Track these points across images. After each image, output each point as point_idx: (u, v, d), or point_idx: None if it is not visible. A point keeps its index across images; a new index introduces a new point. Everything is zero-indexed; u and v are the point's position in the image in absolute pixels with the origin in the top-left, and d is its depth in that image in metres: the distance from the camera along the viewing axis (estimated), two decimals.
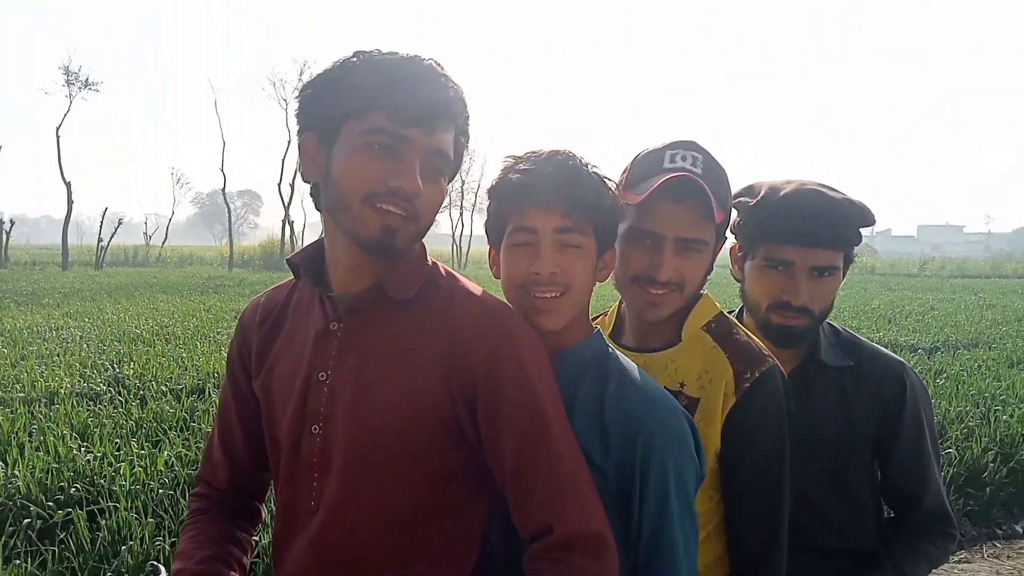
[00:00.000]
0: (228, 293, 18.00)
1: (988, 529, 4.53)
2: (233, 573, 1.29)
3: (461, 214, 43.57)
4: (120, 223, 33.62)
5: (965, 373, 7.47)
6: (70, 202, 33.15)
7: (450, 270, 1.26)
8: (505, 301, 1.24)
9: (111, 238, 33.91)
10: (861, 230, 1.62)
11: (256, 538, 1.66)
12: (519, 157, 1.27)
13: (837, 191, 1.60)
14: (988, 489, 4.69)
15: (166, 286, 20.13)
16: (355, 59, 1.12)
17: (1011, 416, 5.72)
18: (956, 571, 4.04)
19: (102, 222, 34.65)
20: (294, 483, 1.21)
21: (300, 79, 41.27)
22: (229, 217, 42.55)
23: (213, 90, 40.28)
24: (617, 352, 1.31)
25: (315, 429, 1.18)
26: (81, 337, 9.32)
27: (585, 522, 1.08)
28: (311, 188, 1.19)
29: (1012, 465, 4.95)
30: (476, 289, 1.22)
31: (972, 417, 5.71)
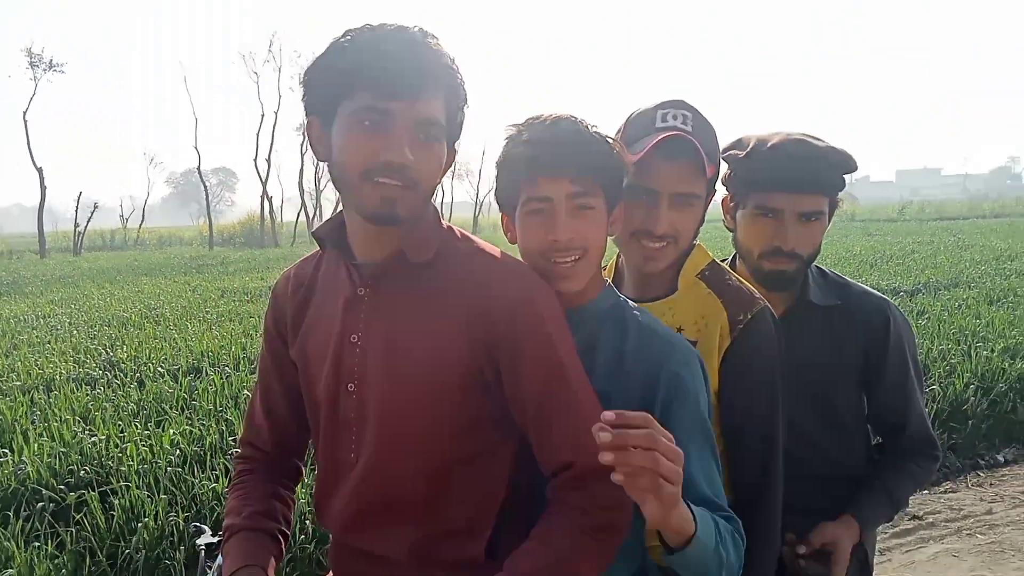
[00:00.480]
0: (212, 272, 17.92)
1: (971, 460, 4.72)
2: (278, 525, 1.39)
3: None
4: (96, 207, 33.16)
5: (946, 312, 7.67)
6: (43, 188, 32.61)
7: (465, 232, 1.31)
8: (518, 259, 1.30)
9: (87, 223, 33.49)
10: (844, 176, 1.71)
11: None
12: (521, 125, 1.30)
13: (821, 140, 1.68)
14: (970, 422, 4.87)
15: (148, 268, 19.98)
16: (344, 39, 1.16)
17: (991, 351, 5.90)
18: (943, 500, 4.22)
19: (77, 207, 34.17)
20: (334, 438, 1.30)
21: (269, 51, 40.75)
22: (207, 196, 42.04)
23: (182, 67, 39.74)
24: (629, 302, 1.38)
25: (350, 387, 1.25)
26: (70, 323, 9.30)
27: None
28: (328, 167, 1.24)
29: (992, 398, 5.13)
30: (492, 249, 1.28)
31: (954, 354, 5.89)
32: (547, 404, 1.18)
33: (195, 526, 1.64)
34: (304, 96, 1.21)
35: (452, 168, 1.37)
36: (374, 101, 1.11)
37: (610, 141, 1.30)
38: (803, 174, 1.62)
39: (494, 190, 1.38)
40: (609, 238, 1.40)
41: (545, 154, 1.24)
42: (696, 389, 1.27)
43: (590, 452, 1.13)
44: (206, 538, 1.66)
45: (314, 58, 1.19)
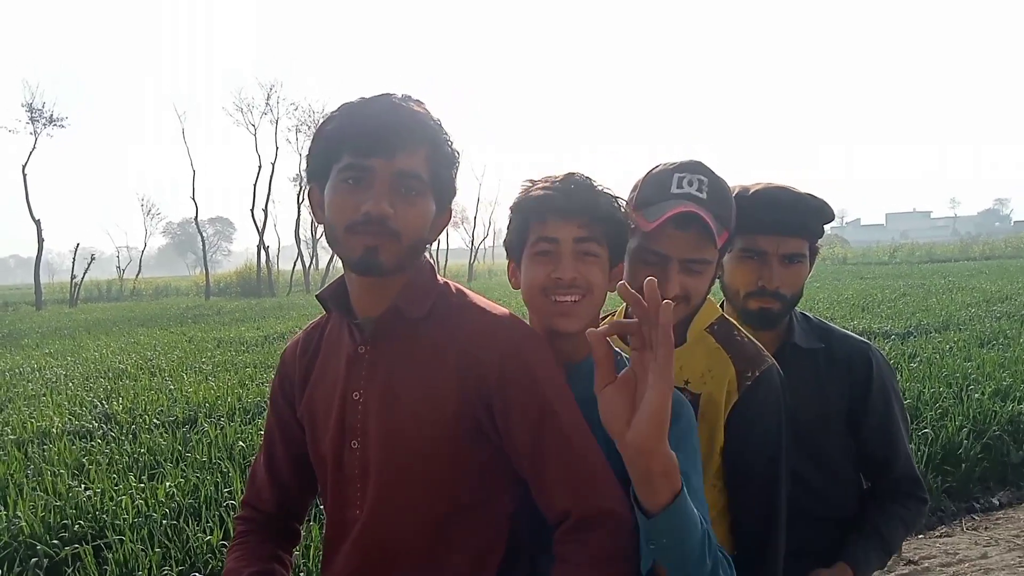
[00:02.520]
0: (208, 322, 17.92)
1: (966, 503, 4.69)
2: None
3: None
4: (92, 259, 33.27)
5: (937, 355, 7.69)
6: (40, 240, 32.73)
7: (460, 286, 1.35)
8: (509, 311, 1.35)
9: (84, 274, 33.55)
10: (827, 225, 1.80)
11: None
12: (536, 180, 1.39)
13: (800, 190, 1.78)
14: (964, 465, 4.86)
15: (144, 319, 19.99)
16: (336, 111, 1.25)
17: (982, 394, 5.91)
18: (938, 544, 4.20)
19: (74, 259, 34.28)
20: (341, 495, 1.33)
21: (267, 103, 41.28)
22: (204, 246, 42.27)
23: (180, 119, 40.07)
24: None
25: (354, 444, 1.29)
26: (65, 376, 9.29)
27: (598, 501, 1.17)
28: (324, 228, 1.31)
29: (986, 441, 5.12)
30: (484, 302, 1.32)
31: (946, 397, 5.90)
32: (539, 450, 1.20)
33: None
34: (306, 167, 1.30)
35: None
36: (355, 159, 1.18)
37: (619, 202, 1.38)
38: (786, 217, 1.71)
39: (504, 236, 1.44)
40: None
41: (557, 198, 1.31)
42: (686, 445, 1.28)
43: (586, 498, 1.18)
44: None
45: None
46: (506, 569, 1.30)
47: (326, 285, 1.39)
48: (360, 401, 1.29)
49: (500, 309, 1.32)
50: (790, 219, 1.71)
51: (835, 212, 1.80)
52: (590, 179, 1.36)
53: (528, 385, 1.22)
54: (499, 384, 1.22)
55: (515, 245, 1.40)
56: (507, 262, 1.45)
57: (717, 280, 1.84)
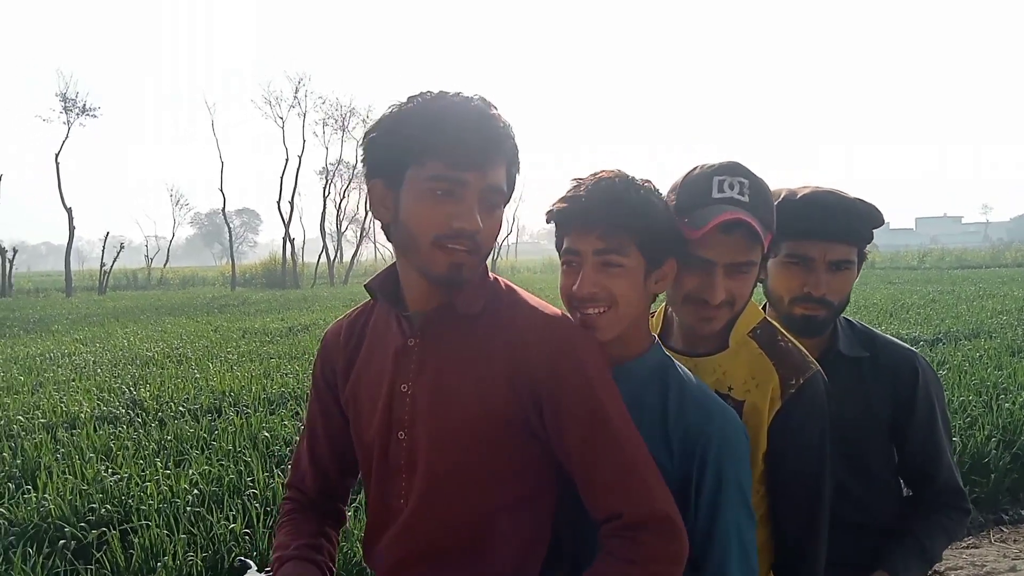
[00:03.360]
0: (233, 312, 18.12)
1: (995, 515, 4.62)
2: (326, 560, 1.42)
3: None
4: (122, 247, 33.79)
5: (967, 363, 7.56)
6: (71, 228, 33.35)
7: (510, 284, 1.37)
8: (560, 310, 1.35)
9: (113, 263, 34.08)
10: (872, 229, 1.75)
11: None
12: (577, 180, 1.35)
13: (848, 194, 1.74)
14: (993, 476, 4.78)
15: (171, 308, 20.26)
16: (410, 104, 1.22)
17: (1014, 403, 5.81)
18: (965, 556, 4.14)
19: (104, 247, 34.82)
20: (385, 483, 1.34)
21: (295, 96, 41.61)
22: (231, 237, 42.73)
23: (210, 110, 40.53)
24: (675, 361, 1.40)
25: (401, 435, 1.30)
26: (94, 362, 9.45)
27: (652, 503, 1.18)
28: (383, 226, 1.30)
29: (1015, 451, 5.04)
30: (535, 301, 1.32)
31: (975, 406, 5.81)
32: (590, 451, 1.21)
33: (240, 560, 1.68)
34: (366, 158, 1.26)
35: None
36: (447, 171, 1.17)
37: (654, 200, 1.34)
38: (835, 223, 1.67)
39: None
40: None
41: (577, 211, 1.30)
42: (731, 464, 1.28)
43: (639, 501, 1.18)
44: (252, 573, 1.70)
45: (377, 121, 1.25)
46: (548, 566, 1.31)
47: (376, 274, 1.39)
48: (408, 393, 1.29)
49: (551, 308, 1.33)
50: (839, 225, 1.67)
51: (883, 217, 1.75)
52: (621, 179, 1.32)
53: (581, 384, 1.22)
54: (551, 383, 1.22)
55: (559, 251, 1.40)
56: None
57: (760, 284, 1.82)
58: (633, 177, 1.34)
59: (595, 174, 1.35)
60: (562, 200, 1.33)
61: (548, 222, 1.38)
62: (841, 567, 1.61)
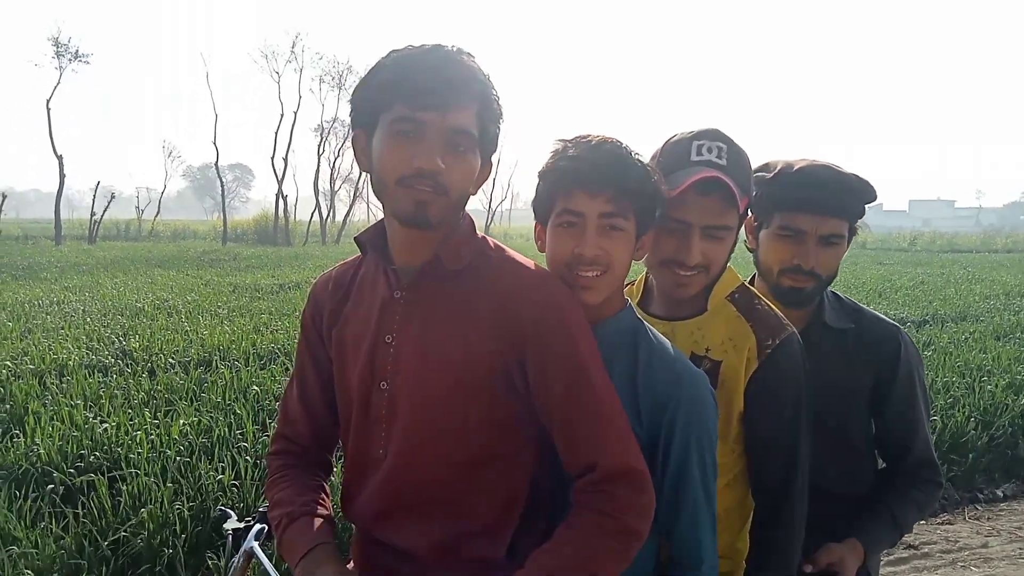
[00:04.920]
0: (224, 267, 18.07)
1: (970, 493, 4.73)
2: (330, 512, 1.42)
3: None
4: (113, 197, 33.49)
5: (952, 345, 7.67)
6: (62, 176, 32.95)
7: (498, 243, 1.37)
8: (547, 269, 1.36)
9: (104, 212, 33.79)
10: (864, 205, 1.77)
11: None
12: (569, 141, 1.35)
13: (844, 168, 1.75)
14: (971, 456, 4.88)
15: (161, 260, 20.16)
16: (386, 58, 1.25)
17: (995, 386, 5.90)
18: (940, 531, 4.23)
19: (95, 196, 34.51)
20: (365, 434, 1.35)
21: (292, 51, 41.04)
22: (223, 191, 42.31)
23: (204, 62, 39.86)
24: (647, 325, 1.42)
25: (383, 386, 1.31)
26: (84, 311, 9.42)
27: (625, 458, 1.21)
28: (369, 177, 1.31)
29: (993, 432, 5.14)
30: (523, 259, 1.33)
31: (958, 387, 5.90)
32: (572, 405, 1.23)
33: (220, 510, 1.69)
34: (351, 112, 1.29)
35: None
36: (408, 112, 1.18)
37: (650, 170, 1.35)
38: (828, 198, 1.68)
39: (532, 198, 1.44)
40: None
41: (586, 170, 1.29)
42: (696, 426, 1.30)
43: (613, 454, 1.22)
44: (232, 523, 1.71)
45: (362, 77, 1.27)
46: (527, 520, 1.33)
47: (366, 228, 1.40)
48: (392, 344, 1.30)
49: (538, 266, 1.33)
50: (831, 200, 1.69)
51: (876, 193, 1.76)
52: (622, 147, 1.33)
53: (565, 341, 1.24)
54: (536, 338, 1.24)
55: (542, 209, 1.39)
56: (534, 224, 1.45)
57: (752, 255, 1.83)
58: (629, 147, 1.35)
59: (585, 137, 1.35)
60: (566, 159, 1.32)
61: (542, 180, 1.37)
62: (815, 532, 1.65)
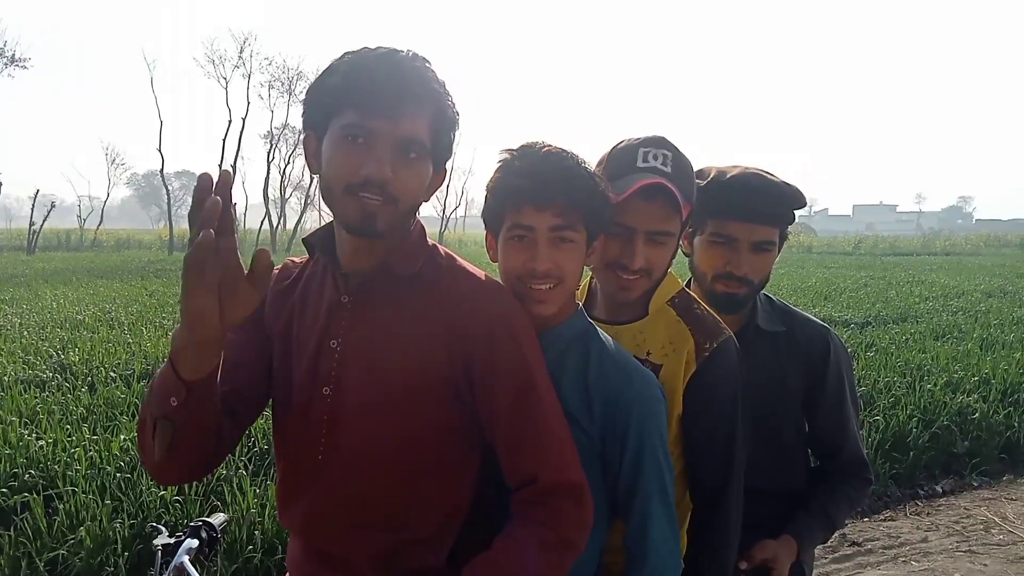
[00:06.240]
0: (170, 277, 17.61)
1: (911, 490, 4.86)
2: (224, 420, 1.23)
3: None
4: (53, 206, 32.40)
5: (894, 346, 7.90)
6: None
7: (449, 251, 1.36)
8: (497, 279, 1.35)
9: (43, 222, 32.69)
10: (796, 212, 1.82)
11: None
12: (515, 152, 1.35)
13: (775, 175, 1.80)
14: (911, 453, 5.02)
15: (104, 271, 19.59)
16: (339, 60, 1.22)
17: (934, 385, 6.10)
18: (882, 527, 4.34)
19: (33, 205, 33.37)
20: (301, 439, 1.31)
21: (240, 56, 40.31)
22: (168, 199, 41.24)
23: (149, 68, 38.94)
24: (597, 328, 1.44)
25: (326, 391, 1.28)
26: (20, 324, 9.08)
27: (566, 472, 1.22)
28: (318, 179, 1.28)
29: (934, 431, 5.30)
30: (473, 268, 1.33)
31: (899, 387, 6.08)
32: (517, 418, 1.23)
33: (151, 526, 1.64)
34: (303, 112, 1.26)
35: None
36: (358, 119, 1.16)
37: (597, 178, 1.36)
38: (759, 205, 1.72)
39: (482, 210, 1.43)
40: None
41: (534, 186, 1.29)
42: (648, 422, 1.32)
43: (555, 467, 1.22)
44: (163, 539, 1.67)
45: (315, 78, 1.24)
46: (468, 530, 1.32)
47: (315, 229, 1.37)
48: (337, 349, 1.28)
49: (489, 276, 1.33)
50: (762, 207, 1.72)
51: (807, 200, 1.81)
52: (568, 157, 1.33)
53: (514, 352, 1.24)
54: (486, 348, 1.23)
55: (493, 222, 1.40)
56: (485, 233, 1.45)
57: (688, 259, 1.86)
58: (576, 156, 1.35)
59: (531, 147, 1.35)
60: (512, 174, 1.32)
61: (490, 195, 1.37)
62: (751, 530, 1.68)
